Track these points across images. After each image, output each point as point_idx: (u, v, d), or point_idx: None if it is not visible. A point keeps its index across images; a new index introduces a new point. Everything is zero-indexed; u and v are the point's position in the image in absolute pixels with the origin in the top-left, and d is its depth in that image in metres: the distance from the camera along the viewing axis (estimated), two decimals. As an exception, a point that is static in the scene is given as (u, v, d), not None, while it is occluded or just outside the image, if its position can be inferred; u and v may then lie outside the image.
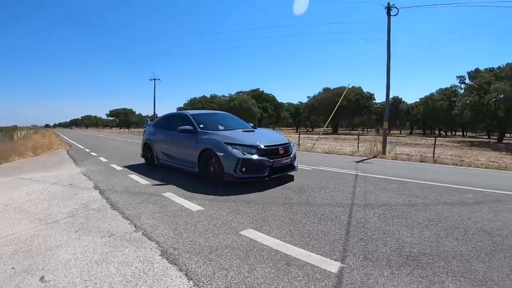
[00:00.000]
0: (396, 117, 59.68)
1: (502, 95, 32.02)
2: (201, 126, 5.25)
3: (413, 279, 1.91)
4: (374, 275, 1.97)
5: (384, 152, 10.29)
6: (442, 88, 51.82)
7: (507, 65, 31.05)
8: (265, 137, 5.14)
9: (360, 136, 16.76)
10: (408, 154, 11.97)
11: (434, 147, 10.94)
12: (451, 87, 49.85)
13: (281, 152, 4.72)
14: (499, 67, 37.91)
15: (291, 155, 4.91)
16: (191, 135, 5.16)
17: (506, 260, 2.21)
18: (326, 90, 56.49)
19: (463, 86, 46.44)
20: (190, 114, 5.68)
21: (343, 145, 18.52)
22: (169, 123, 6.19)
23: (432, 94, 53.30)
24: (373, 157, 9.42)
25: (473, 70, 44.17)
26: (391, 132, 61.48)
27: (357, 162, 8.13)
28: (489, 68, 41.39)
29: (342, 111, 45.66)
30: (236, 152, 4.36)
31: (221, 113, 6.96)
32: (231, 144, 4.47)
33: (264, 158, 4.40)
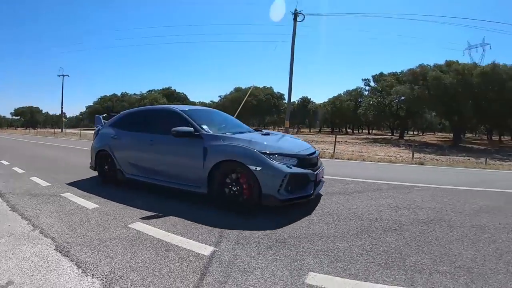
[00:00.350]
0: (305, 116, 65.62)
1: (403, 97, 37.21)
2: (204, 127, 3.83)
3: (276, 258, 2.23)
4: (242, 255, 2.27)
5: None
6: (349, 90, 57.98)
7: (408, 70, 35.06)
8: (292, 142, 4.04)
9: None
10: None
11: (335, 144, 12.13)
12: (356, 88, 56.03)
13: (318, 162, 3.85)
14: (401, 71, 42.54)
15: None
16: (190, 140, 3.68)
17: (370, 239, 2.59)
18: (237, 89, 56.21)
19: (367, 88, 52.71)
20: (181, 110, 4.14)
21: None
22: (143, 123, 4.54)
23: (339, 95, 59.05)
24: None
25: (377, 73, 50.28)
26: (301, 130, 68.37)
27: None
28: (392, 72, 46.68)
29: (253, 110, 47.01)
30: (279, 165, 3.19)
31: (209, 109, 5.42)
32: (269, 154, 3.26)
33: (309, 171, 3.40)
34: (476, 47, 68.14)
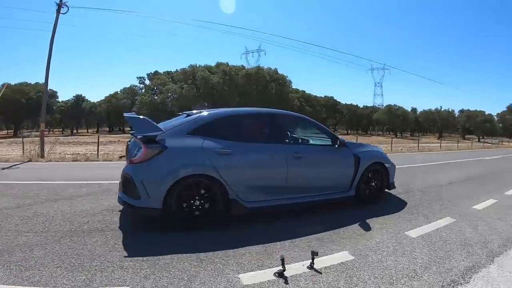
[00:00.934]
0: (80, 116, 60.27)
1: (175, 95, 39.40)
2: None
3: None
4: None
5: (42, 155, 9.55)
6: (125, 87, 56.64)
7: (181, 69, 38.77)
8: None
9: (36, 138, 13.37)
10: (73, 154, 11.90)
11: (98, 145, 11.56)
12: (130, 86, 55.49)
13: None
14: (176, 70, 45.32)
15: None
16: (342, 149, 3.82)
17: (70, 243, 2.58)
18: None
19: (142, 86, 53.76)
20: (307, 117, 4.26)
21: (9, 150, 16.29)
22: (264, 130, 3.71)
23: (116, 93, 56.89)
24: (29, 161, 8.55)
25: (152, 72, 52.20)
26: (79, 131, 61.80)
27: (3, 168, 7.00)
28: (167, 71, 48.92)
29: (24, 110, 40.75)
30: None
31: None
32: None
33: None
34: (252, 52, 73.14)
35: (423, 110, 68.46)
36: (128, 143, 3.61)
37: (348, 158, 3.85)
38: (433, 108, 66.57)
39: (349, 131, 73.03)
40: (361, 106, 71.80)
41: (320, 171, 3.72)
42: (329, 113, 65.29)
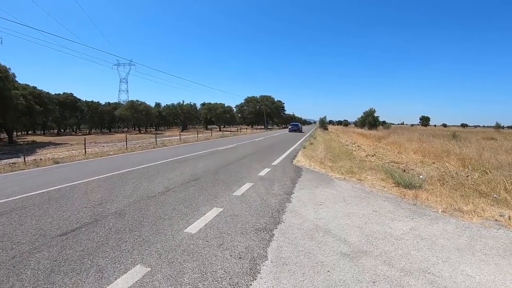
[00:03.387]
0: None
1: None
2: None
3: None
4: None
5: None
6: None
7: None
8: None
9: None
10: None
11: None
12: None
13: None
14: None
15: None
16: None
17: None
18: None
19: None
20: None
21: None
22: None
23: None
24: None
25: None
26: None
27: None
28: None
29: None
30: None
31: None
32: None
33: None
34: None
35: (166, 104, 73.94)
36: None
37: None
38: (175, 103, 73.25)
39: (91, 130, 66.26)
40: (103, 103, 66.50)
41: None
42: (69, 111, 56.05)
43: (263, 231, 3.22)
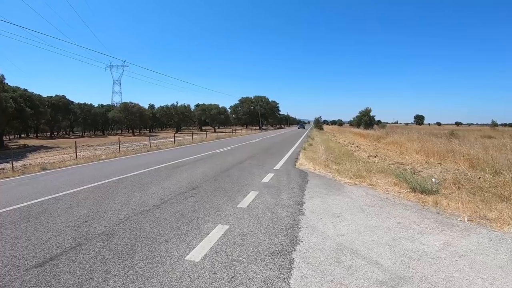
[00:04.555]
0: None
1: None
2: None
3: None
4: None
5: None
6: None
7: None
8: None
9: None
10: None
11: None
12: None
13: None
14: None
15: None
16: None
17: None
18: None
19: None
20: None
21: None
22: None
23: None
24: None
25: None
26: None
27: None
28: None
29: None
30: None
31: None
32: None
33: None
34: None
35: (160, 106, 72.63)
36: None
37: None
38: (169, 104, 72.02)
39: (85, 132, 64.91)
40: (96, 105, 65.35)
41: None
42: (61, 114, 55.17)
43: (281, 256, 2.71)
